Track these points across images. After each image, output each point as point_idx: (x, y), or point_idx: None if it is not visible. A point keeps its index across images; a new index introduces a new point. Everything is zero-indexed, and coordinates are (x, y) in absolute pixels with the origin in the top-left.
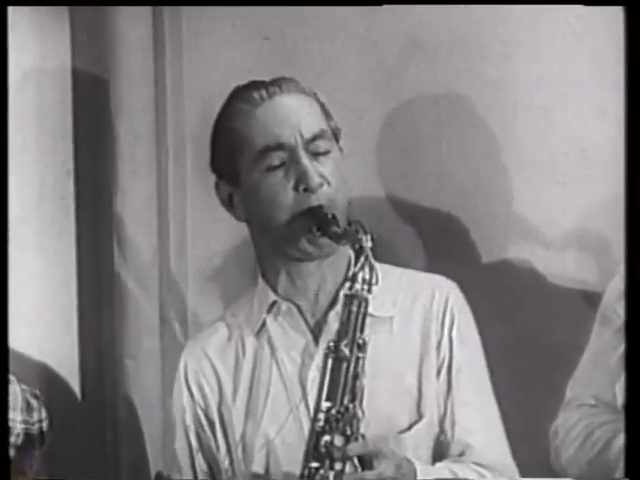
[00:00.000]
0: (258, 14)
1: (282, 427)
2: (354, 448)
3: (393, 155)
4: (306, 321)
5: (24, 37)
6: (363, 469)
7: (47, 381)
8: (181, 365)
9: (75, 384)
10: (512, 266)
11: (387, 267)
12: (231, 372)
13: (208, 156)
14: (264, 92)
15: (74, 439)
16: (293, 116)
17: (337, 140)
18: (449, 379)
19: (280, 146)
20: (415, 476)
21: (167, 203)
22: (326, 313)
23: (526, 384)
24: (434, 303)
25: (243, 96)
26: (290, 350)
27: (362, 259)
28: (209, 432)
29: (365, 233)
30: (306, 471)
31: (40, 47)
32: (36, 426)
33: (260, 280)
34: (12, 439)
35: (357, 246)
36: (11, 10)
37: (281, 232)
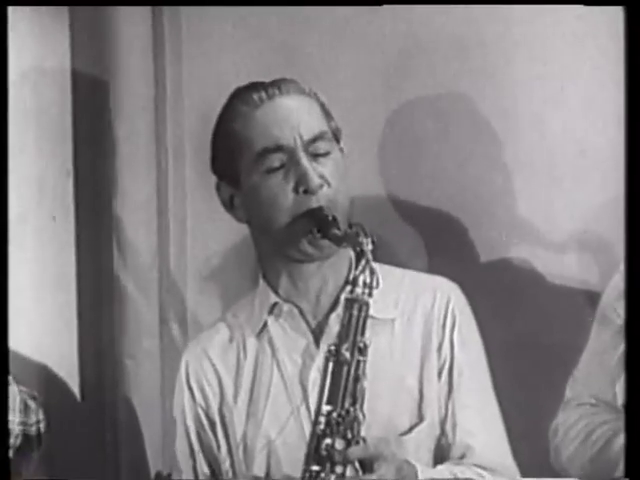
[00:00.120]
0: (258, 14)
1: (283, 428)
2: (355, 452)
3: (394, 155)
4: (307, 323)
5: (24, 37)
6: (364, 472)
7: (47, 382)
8: (182, 366)
9: (75, 384)
10: (512, 266)
11: (388, 268)
12: (232, 373)
13: (208, 156)
14: (263, 94)
15: (74, 440)
16: (293, 117)
17: (338, 141)
18: (450, 381)
19: (279, 148)
20: (416, 478)
21: (167, 203)
22: (327, 315)
23: (526, 384)
24: (435, 305)
25: (243, 98)
26: (291, 351)
27: (363, 262)
28: (210, 433)
29: (366, 236)
30: (307, 474)
31: (40, 47)
32: (34, 427)
33: (261, 281)
34: (10, 440)
35: (358, 249)
36: (11, 10)
37: (281, 234)
